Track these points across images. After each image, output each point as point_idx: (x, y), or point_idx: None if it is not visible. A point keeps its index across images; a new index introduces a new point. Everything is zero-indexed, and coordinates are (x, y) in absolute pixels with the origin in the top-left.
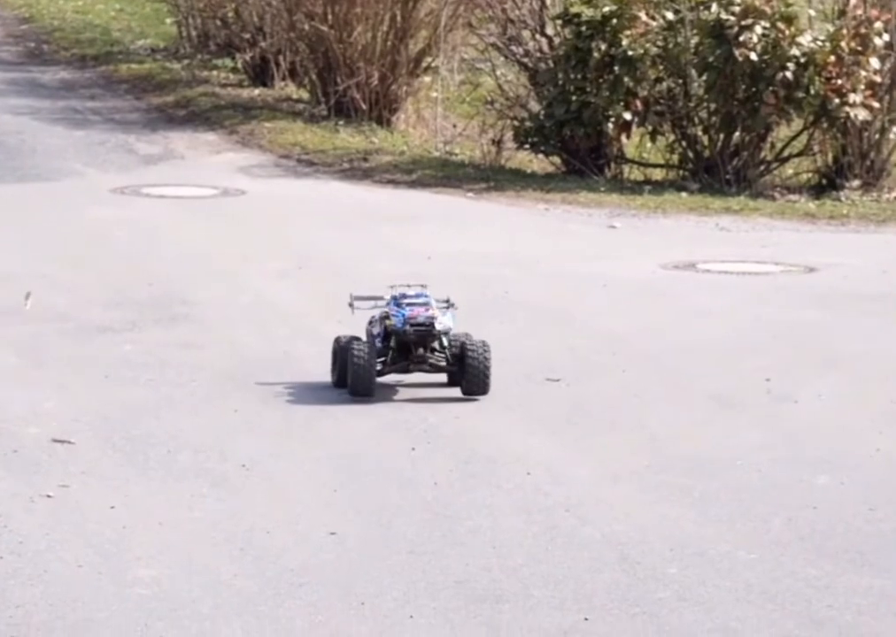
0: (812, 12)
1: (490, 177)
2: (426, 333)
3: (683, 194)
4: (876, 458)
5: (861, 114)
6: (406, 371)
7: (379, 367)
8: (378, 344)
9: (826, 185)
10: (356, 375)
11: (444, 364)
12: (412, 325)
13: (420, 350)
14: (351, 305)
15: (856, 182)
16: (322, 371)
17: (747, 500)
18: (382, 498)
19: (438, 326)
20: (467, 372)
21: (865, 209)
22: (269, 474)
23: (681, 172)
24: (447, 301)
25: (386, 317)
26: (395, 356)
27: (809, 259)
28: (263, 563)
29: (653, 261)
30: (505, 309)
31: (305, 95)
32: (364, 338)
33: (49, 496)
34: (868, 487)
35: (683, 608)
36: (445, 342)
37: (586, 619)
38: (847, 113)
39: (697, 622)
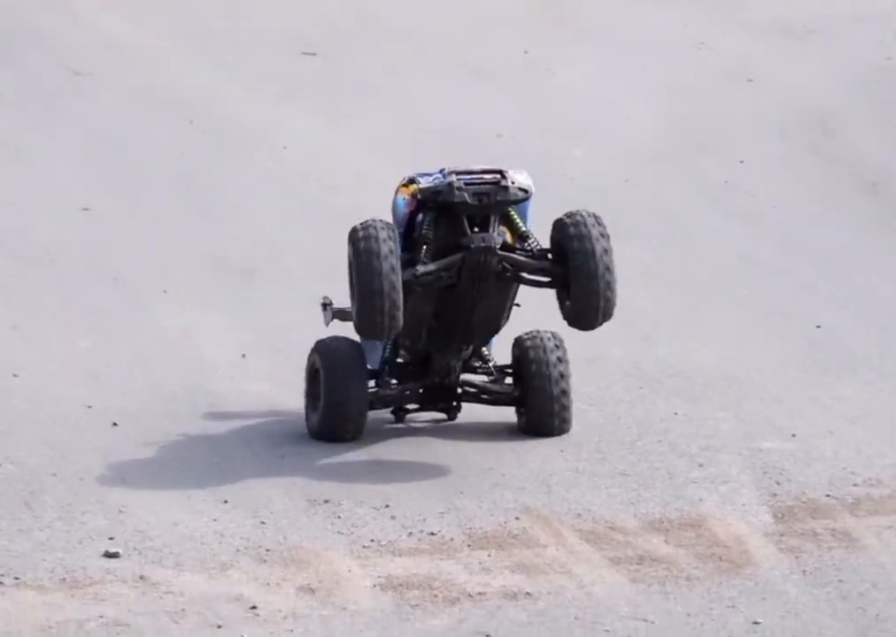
0: None
1: None
2: (492, 193)
3: None
4: (627, 127)
5: None
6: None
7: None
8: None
9: None
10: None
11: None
12: (466, 183)
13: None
14: (325, 307)
15: None
16: None
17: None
18: (135, 172)
19: (512, 184)
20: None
21: None
22: (17, 149)
23: None
24: None
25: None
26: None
27: None
28: (11, 240)
29: None
30: None
31: None
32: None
33: None
34: (621, 155)
35: None
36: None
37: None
38: None
39: None
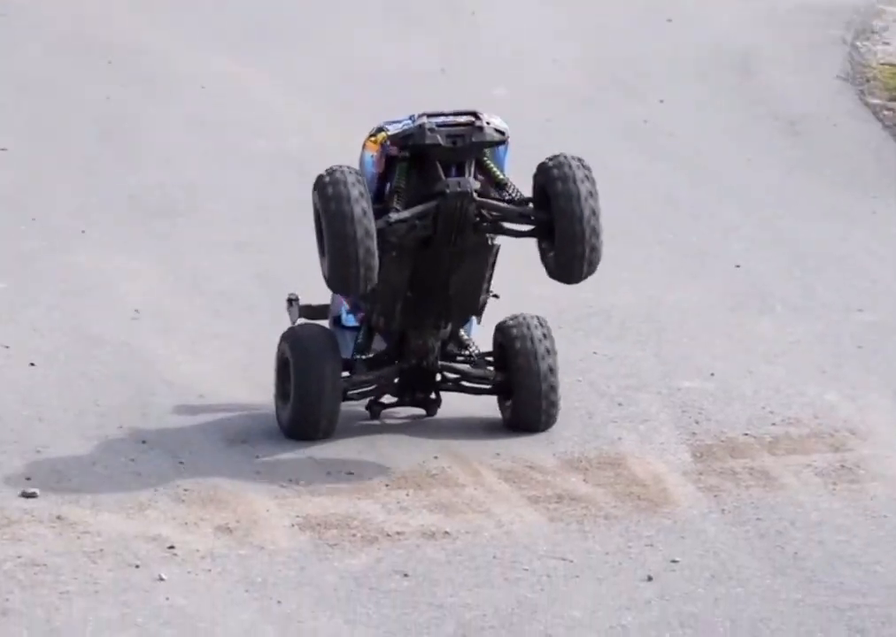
0: None
1: None
2: (467, 135)
3: None
4: (548, 68)
5: None
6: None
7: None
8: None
9: None
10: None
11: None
12: (439, 125)
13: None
14: (291, 303)
15: None
16: None
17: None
18: (53, 114)
19: (488, 125)
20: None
21: None
22: None
23: None
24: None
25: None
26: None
27: None
28: None
29: None
30: None
31: None
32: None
33: None
34: (542, 96)
35: None
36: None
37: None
38: None
39: None
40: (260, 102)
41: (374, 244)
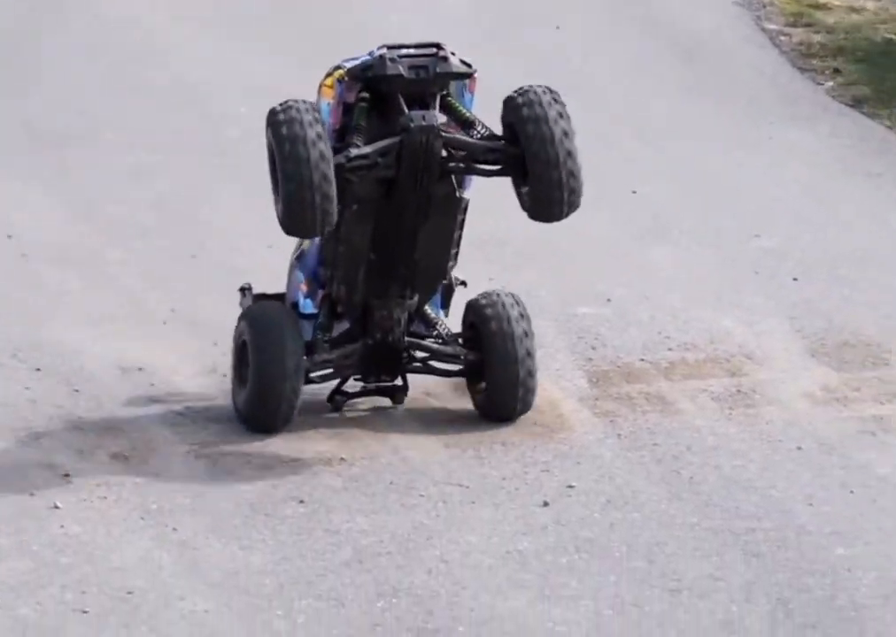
0: None
1: None
2: (431, 66)
3: None
4: None
5: None
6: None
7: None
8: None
9: None
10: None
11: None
12: (400, 56)
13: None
14: (244, 292)
15: None
16: None
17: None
18: None
19: (453, 55)
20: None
21: None
22: None
23: None
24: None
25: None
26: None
27: None
28: None
29: None
30: None
31: None
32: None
33: None
34: (435, 23)
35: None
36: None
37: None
38: None
39: None
40: (159, 31)
41: (332, 188)
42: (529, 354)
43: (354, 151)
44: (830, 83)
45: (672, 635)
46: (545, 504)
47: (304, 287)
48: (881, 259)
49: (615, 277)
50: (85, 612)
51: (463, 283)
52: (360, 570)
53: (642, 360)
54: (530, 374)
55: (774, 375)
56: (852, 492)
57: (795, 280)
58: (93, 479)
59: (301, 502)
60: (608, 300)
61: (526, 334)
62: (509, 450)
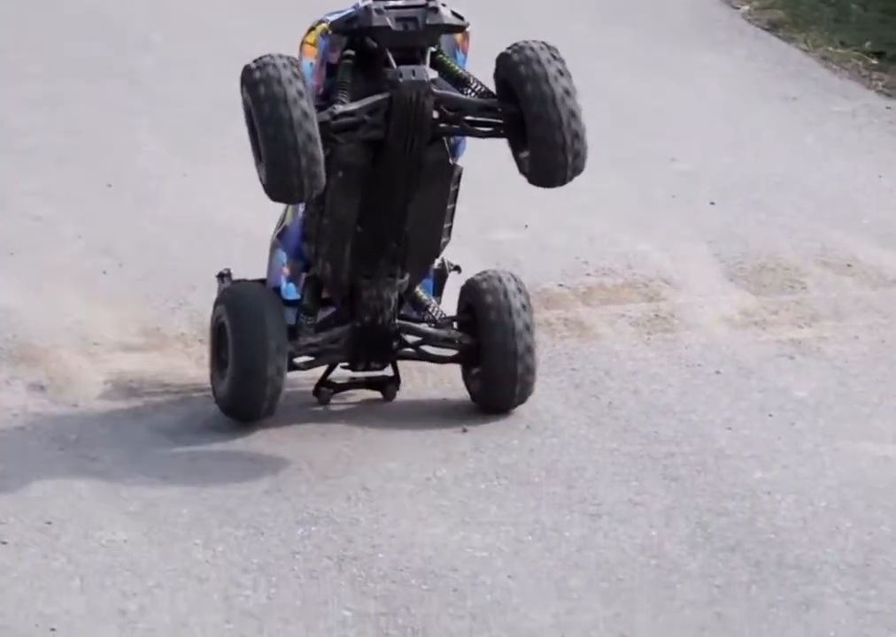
0: None
1: None
2: (420, 17)
3: None
4: None
5: None
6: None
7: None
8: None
9: None
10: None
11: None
12: (387, 7)
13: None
14: (222, 279)
15: None
16: None
17: None
18: None
19: (444, 6)
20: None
21: None
22: None
23: None
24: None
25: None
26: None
27: None
28: None
29: None
30: None
31: None
32: None
33: None
34: None
35: (171, 78)
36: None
37: None
38: None
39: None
40: None
41: (318, 149)
42: (528, 328)
43: (339, 108)
44: (746, 7)
45: (592, 560)
46: (464, 431)
47: (286, 271)
48: (797, 183)
49: (532, 203)
50: (4, 543)
51: (457, 268)
52: (280, 498)
53: (560, 285)
54: (529, 350)
55: (692, 299)
56: (770, 415)
57: (712, 204)
58: (10, 409)
59: (219, 431)
60: (525, 226)
61: (524, 308)
62: (428, 377)
